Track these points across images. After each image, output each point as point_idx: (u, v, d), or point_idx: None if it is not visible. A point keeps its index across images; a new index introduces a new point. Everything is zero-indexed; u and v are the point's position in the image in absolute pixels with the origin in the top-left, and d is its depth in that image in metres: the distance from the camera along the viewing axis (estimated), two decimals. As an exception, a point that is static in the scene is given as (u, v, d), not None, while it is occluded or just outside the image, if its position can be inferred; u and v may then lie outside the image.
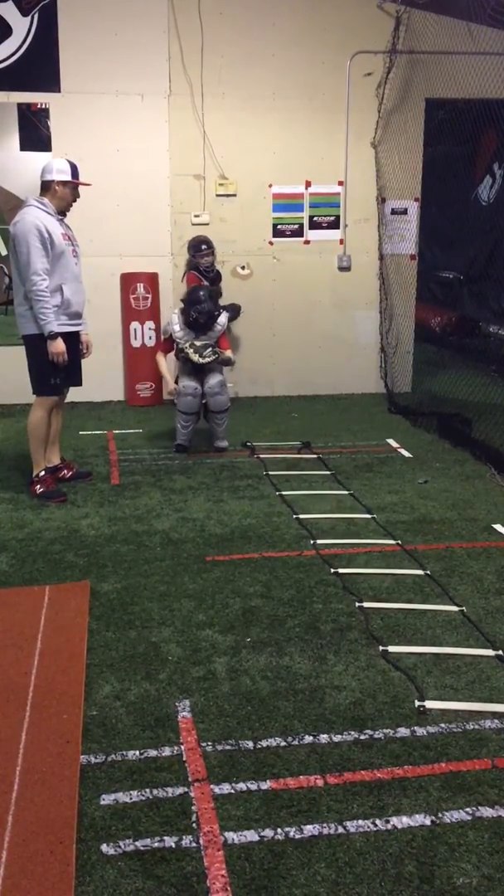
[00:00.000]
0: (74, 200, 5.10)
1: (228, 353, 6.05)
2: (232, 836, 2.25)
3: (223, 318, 5.96)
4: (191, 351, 5.64)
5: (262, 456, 6.07)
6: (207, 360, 5.64)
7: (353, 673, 3.09)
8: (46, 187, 5.00)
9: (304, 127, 7.96)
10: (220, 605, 3.66)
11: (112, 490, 5.31)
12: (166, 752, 2.62)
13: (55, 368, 4.98)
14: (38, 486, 5.12)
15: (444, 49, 7.08)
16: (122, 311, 7.93)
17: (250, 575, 3.97)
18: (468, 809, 2.36)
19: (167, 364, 6.30)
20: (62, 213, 5.07)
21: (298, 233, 8.23)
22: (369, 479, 5.55)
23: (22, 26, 7.36)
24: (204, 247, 7.28)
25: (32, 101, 7.53)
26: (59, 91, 7.53)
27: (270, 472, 5.65)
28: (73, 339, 5.17)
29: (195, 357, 5.64)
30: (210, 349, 5.70)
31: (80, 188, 5.09)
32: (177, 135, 7.79)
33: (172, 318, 5.92)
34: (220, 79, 7.73)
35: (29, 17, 7.37)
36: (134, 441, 6.60)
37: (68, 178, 4.95)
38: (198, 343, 5.62)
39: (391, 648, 3.27)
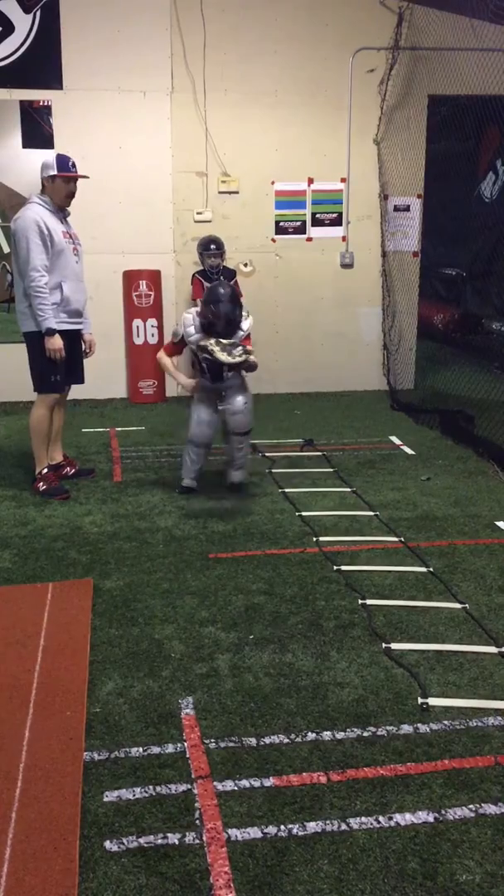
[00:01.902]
0: (70, 195, 5.03)
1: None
2: (235, 833, 2.25)
3: (247, 324, 4.87)
4: (217, 349, 4.63)
5: (265, 454, 6.07)
6: (238, 360, 4.65)
7: (355, 670, 3.09)
8: (42, 185, 5.00)
9: (306, 124, 7.96)
10: (223, 602, 3.66)
11: (115, 487, 5.31)
12: (169, 748, 2.62)
13: (55, 366, 4.98)
14: (41, 484, 5.13)
15: (446, 45, 7.08)
16: (124, 309, 7.93)
17: (253, 572, 3.97)
18: (471, 806, 2.35)
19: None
20: (63, 209, 5.07)
21: (301, 230, 8.22)
22: (372, 477, 5.55)
23: (24, 24, 7.36)
24: (213, 246, 7.25)
25: (34, 99, 7.53)
26: (61, 88, 7.53)
27: (273, 470, 5.65)
28: (73, 337, 5.17)
29: (223, 356, 4.61)
30: (241, 348, 4.70)
31: (79, 182, 5.06)
32: (179, 132, 7.79)
33: (186, 318, 4.89)
34: (223, 75, 7.72)
35: (31, 15, 7.37)
36: (136, 438, 6.60)
37: (55, 172, 4.93)
38: (224, 341, 4.68)
39: (394, 645, 3.26)
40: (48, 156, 5.06)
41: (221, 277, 7.26)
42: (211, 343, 4.65)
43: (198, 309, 4.87)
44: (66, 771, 2.49)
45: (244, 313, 4.83)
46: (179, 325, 4.92)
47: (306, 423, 7.05)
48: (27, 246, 4.79)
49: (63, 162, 4.94)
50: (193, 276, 7.43)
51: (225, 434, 5.10)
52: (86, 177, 5.11)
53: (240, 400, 4.96)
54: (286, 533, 4.50)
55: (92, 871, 2.12)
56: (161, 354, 5.13)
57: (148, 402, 7.93)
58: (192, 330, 4.81)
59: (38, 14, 7.37)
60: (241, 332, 4.82)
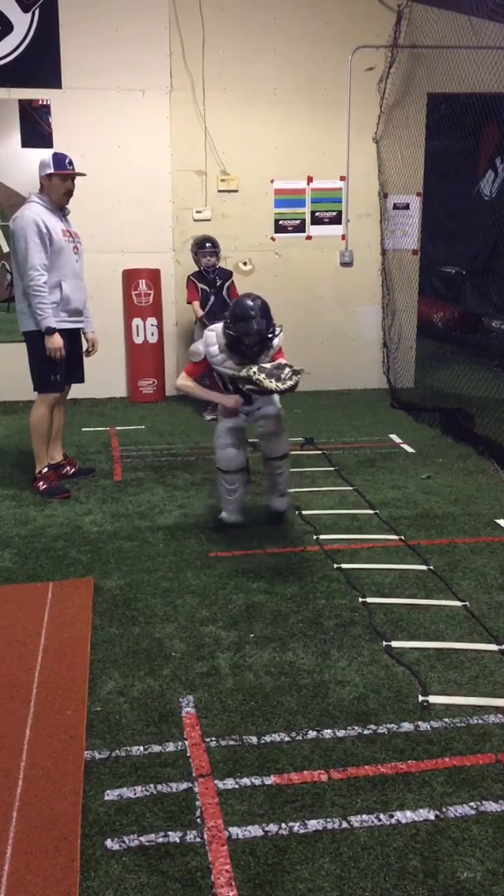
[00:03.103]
0: (68, 193, 5.01)
1: None
2: (236, 831, 2.25)
3: (278, 340, 4.18)
4: (263, 377, 3.84)
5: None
6: (289, 384, 3.86)
7: (356, 668, 3.09)
8: (40, 184, 5.00)
9: (305, 122, 7.95)
10: (224, 601, 3.66)
11: (115, 486, 5.31)
12: (170, 747, 2.62)
13: (55, 365, 4.98)
14: (41, 483, 5.13)
15: (445, 43, 7.07)
16: (123, 308, 7.93)
17: (253, 571, 3.97)
18: (472, 804, 2.36)
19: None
20: (63, 208, 5.06)
21: (300, 228, 8.22)
22: (372, 475, 5.55)
23: (23, 23, 7.35)
24: (208, 244, 7.23)
25: (34, 98, 7.52)
26: (60, 87, 7.52)
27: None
28: (73, 336, 5.17)
29: (272, 383, 3.83)
30: (289, 370, 3.92)
31: (78, 180, 5.06)
32: (178, 130, 7.78)
33: (209, 336, 4.18)
34: (222, 74, 7.72)
35: (30, 14, 7.36)
36: (136, 437, 6.60)
37: (51, 170, 4.92)
38: (267, 365, 3.91)
39: (394, 643, 3.26)
40: (46, 154, 5.05)
41: (217, 278, 7.26)
42: (254, 371, 3.90)
43: (219, 326, 4.20)
44: (67, 770, 2.49)
45: (276, 325, 4.18)
46: (200, 342, 4.23)
47: (306, 422, 7.05)
48: (26, 245, 4.79)
49: (59, 160, 4.94)
50: (188, 278, 7.39)
51: (262, 458, 4.57)
52: (83, 174, 5.08)
53: (272, 414, 4.36)
54: (286, 531, 4.50)
55: (93, 870, 2.12)
56: (183, 380, 4.33)
57: (148, 402, 7.93)
58: (215, 349, 4.15)
59: (37, 13, 7.36)
60: (272, 349, 4.17)
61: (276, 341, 4.16)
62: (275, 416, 4.37)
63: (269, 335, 4.08)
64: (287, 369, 3.95)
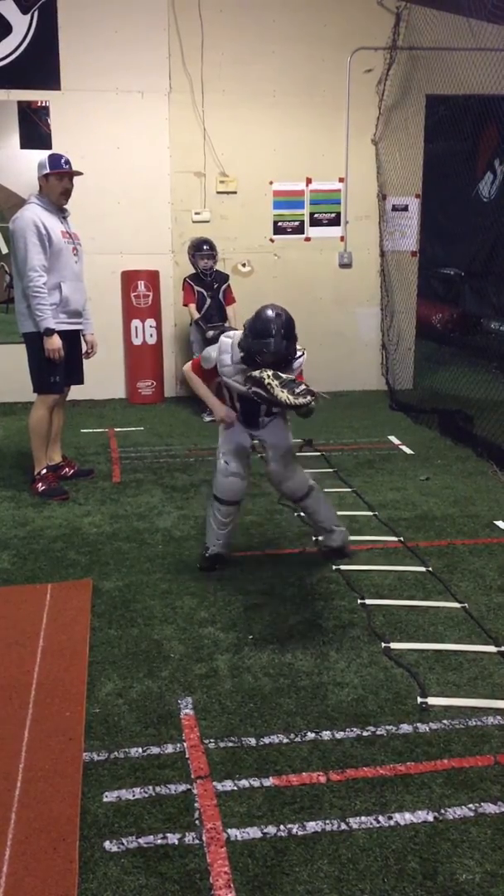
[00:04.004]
0: (66, 192, 5.00)
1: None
2: (235, 833, 2.25)
3: (299, 362, 3.74)
4: (276, 384, 3.38)
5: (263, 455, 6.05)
6: (301, 401, 3.39)
7: (355, 670, 3.09)
8: (39, 185, 5.01)
9: (304, 124, 7.96)
10: (223, 603, 3.66)
11: (114, 488, 5.31)
12: (169, 749, 2.62)
13: (54, 366, 4.98)
14: (40, 484, 5.12)
15: (444, 45, 7.07)
16: (122, 309, 7.93)
17: (252, 572, 3.97)
18: (471, 806, 2.35)
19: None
20: (63, 209, 5.06)
21: (299, 230, 8.22)
22: (371, 476, 5.55)
23: (22, 24, 7.36)
24: (206, 247, 7.24)
25: (32, 99, 7.52)
26: (59, 89, 7.53)
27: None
28: (73, 338, 5.17)
29: (283, 394, 3.37)
30: (303, 387, 3.44)
31: (78, 182, 5.05)
32: (177, 132, 7.79)
33: (223, 343, 3.73)
34: (221, 76, 7.72)
35: (29, 15, 7.36)
36: (135, 439, 6.60)
37: (47, 170, 4.92)
38: (284, 375, 3.45)
39: (393, 645, 3.26)
40: (43, 156, 5.05)
41: (213, 281, 7.26)
42: (267, 375, 3.41)
43: (237, 334, 3.75)
44: (66, 772, 2.49)
45: (298, 348, 3.72)
46: (214, 348, 3.80)
47: (305, 423, 7.02)
48: (25, 246, 4.79)
49: (55, 160, 4.94)
50: (184, 280, 7.40)
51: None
52: (79, 173, 5.06)
53: (278, 462, 3.90)
54: (285, 533, 4.49)
55: (91, 872, 2.12)
56: (189, 370, 3.93)
57: (147, 403, 7.93)
58: (227, 358, 3.69)
59: (36, 14, 7.36)
60: (292, 371, 3.65)
61: (296, 364, 3.68)
62: (283, 449, 3.89)
63: (290, 357, 3.59)
64: (303, 386, 3.43)
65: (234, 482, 3.86)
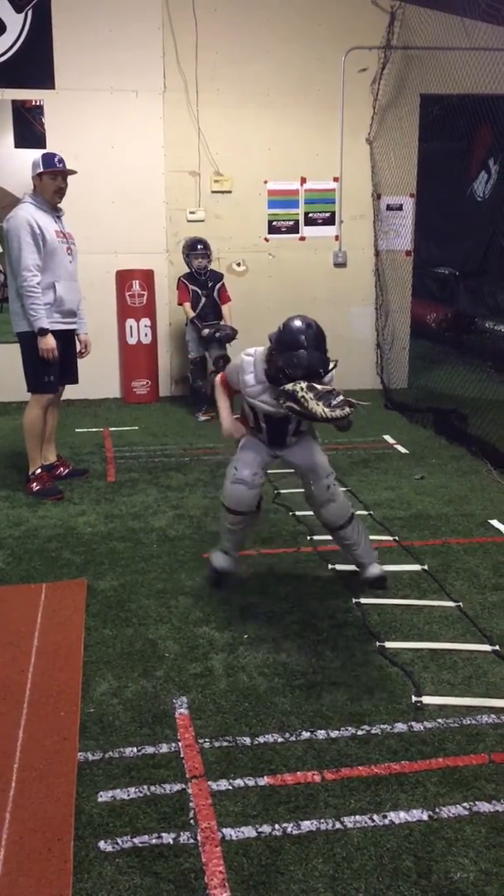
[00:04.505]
0: (59, 191, 4.99)
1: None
2: (230, 833, 2.25)
3: (331, 375, 3.44)
4: (310, 396, 3.10)
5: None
6: (339, 414, 3.10)
7: (350, 668, 3.09)
8: (33, 185, 5.00)
9: (299, 123, 7.96)
10: (218, 602, 3.65)
11: (108, 487, 5.30)
12: (164, 748, 2.62)
13: (49, 365, 4.97)
14: (35, 484, 5.12)
15: (438, 45, 7.08)
16: (117, 309, 7.92)
17: (247, 571, 3.97)
18: (465, 804, 2.36)
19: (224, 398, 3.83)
20: (57, 208, 5.05)
21: (294, 229, 8.22)
22: (366, 476, 5.55)
23: (16, 23, 7.34)
24: (200, 246, 7.25)
25: (27, 98, 7.51)
26: (53, 88, 7.51)
27: (267, 469, 5.64)
28: (67, 337, 5.16)
29: (319, 408, 3.08)
30: (340, 398, 3.15)
31: (73, 181, 5.05)
32: (171, 131, 7.78)
33: (245, 362, 3.46)
34: (215, 75, 7.72)
35: (23, 14, 7.35)
36: (130, 438, 6.60)
37: (41, 169, 4.91)
38: (318, 386, 3.17)
39: (388, 644, 3.27)
40: (37, 155, 5.04)
41: (208, 280, 7.26)
42: (300, 387, 3.12)
43: (259, 350, 3.46)
44: (61, 771, 2.49)
45: (330, 360, 3.42)
46: (238, 368, 3.52)
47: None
48: (19, 246, 4.78)
49: (49, 159, 4.93)
50: (179, 279, 7.39)
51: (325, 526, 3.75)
52: (73, 172, 5.06)
53: (319, 479, 3.58)
54: (280, 532, 4.50)
55: (86, 872, 2.12)
56: (218, 385, 3.76)
57: (141, 402, 7.92)
58: (250, 379, 3.43)
59: (30, 13, 7.35)
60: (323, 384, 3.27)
61: (328, 377, 3.38)
62: (320, 467, 3.59)
63: (322, 371, 3.30)
64: (340, 398, 3.15)
65: (240, 490, 3.56)
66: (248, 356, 3.47)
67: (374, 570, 3.73)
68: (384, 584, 3.73)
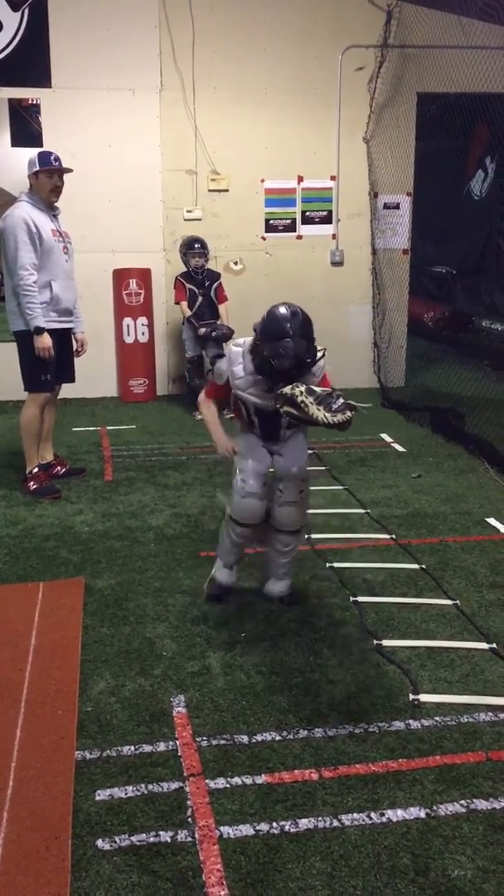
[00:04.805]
0: (55, 190, 4.98)
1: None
2: (227, 831, 2.25)
3: (320, 365, 3.32)
4: (310, 400, 2.97)
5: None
6: (340, 419, 2.96)
7: (347, 667, 3.09)
8: (29, 184, 5.00)
9: (296, 122, 7.95)
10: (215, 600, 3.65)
11: (106, 486, 5.30)
12: (161, 747, 2.62)
13: (45, 364, 4.97)
14: (32, 483, 5.11)
15: (435, 43, 7.08)
16: (114, 307, 7.91)
17: (244, 570, 3.96)
18: (462, 802, 2.36)
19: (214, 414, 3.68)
20: (53, 207, 5.05)
21: (291, 228, 8.22)
22: (363, 474, 5.55)
23: (12, 21, 7.33)
24: (197, 245, 7.25)
25: (23, 97, 7.51)
26: (50, 86, 7.50)
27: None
28: (64, 336, 5.16)
29: (318, 412, 2.95)
30: (342, 401, 3.01)
31: (69, 180, 5.04)
32: (168, 130, 7.77)
33: (233, 352, 3.35)
34: (212, 74, 7.71)
35: (19, 13, 7.33)
36: (127, 437, 6.59)
37: (37, 167, 4.91)
38: (317, 389, 3.05)
39: (385, 642, 3.27)
40: (33, 153, 5.04)
41: (205, 279, 7.25)
42: (300, 391, 2.98)
43: (248, 341, 3.35)
44: (58, 770, 2.49)
45: (318, 349, 3.28)
46: (225, 360, 3.44)
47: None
48: (15, 244, 4.78)
49: (45, 157, 4.93)
50: (176, 278, 7.39)
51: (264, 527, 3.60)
52: (69, 170, 5.06)
53: (292, 488, 3.46)
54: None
55: (84, 870, 2.12)
56: (203, 403, 3.65)
57: (139, 401, 7.91)
58: (239, 370, 3.32)
59: (27, 12, 7.33)
60: (313, 379, 3.24)
61: (317, 367, 3.27)
62: (299, 465, 3.48)
63: (308, 360, 3.19)
64: (341, 400, 3.00)
65: (252, 504, 3.43)
66: (237, 347, 3.36)
67: (283, 587, 3.65)
68: (291, 601, 3.64)
